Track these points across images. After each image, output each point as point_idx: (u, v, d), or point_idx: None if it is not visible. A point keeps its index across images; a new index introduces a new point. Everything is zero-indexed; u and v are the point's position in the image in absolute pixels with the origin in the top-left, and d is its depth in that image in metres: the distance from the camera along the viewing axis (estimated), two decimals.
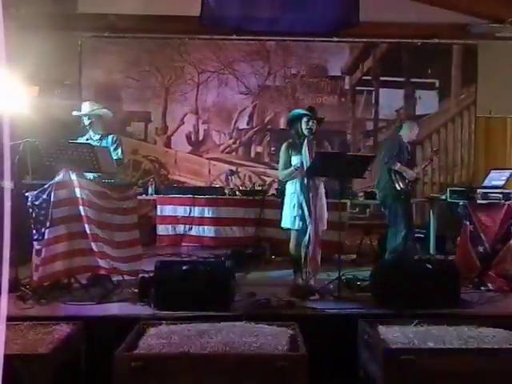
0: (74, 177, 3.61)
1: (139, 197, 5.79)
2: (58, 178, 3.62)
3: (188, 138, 7.10)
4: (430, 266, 3.53)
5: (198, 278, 3.35)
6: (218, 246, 5.50)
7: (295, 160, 3.93)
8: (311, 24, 5.62)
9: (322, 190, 4.04)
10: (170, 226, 5.52)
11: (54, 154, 3.70)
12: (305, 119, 3.92)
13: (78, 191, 3.59)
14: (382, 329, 3.00)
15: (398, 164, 4.70)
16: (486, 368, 2.59)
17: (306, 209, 3.76)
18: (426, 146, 7.14)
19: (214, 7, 5.32)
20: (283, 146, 4.10)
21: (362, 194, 6.22)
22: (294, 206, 3.93)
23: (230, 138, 7.12)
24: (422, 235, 5.73)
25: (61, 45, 6.55)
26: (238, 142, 7.12)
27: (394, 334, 2.91)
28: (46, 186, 3.66)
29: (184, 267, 3.34)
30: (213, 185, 6.46)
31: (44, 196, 3.63)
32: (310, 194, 3.77)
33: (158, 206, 5.59)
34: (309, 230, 3.79)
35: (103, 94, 6.84)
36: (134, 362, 2.49)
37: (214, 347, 2.63)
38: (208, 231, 5.50)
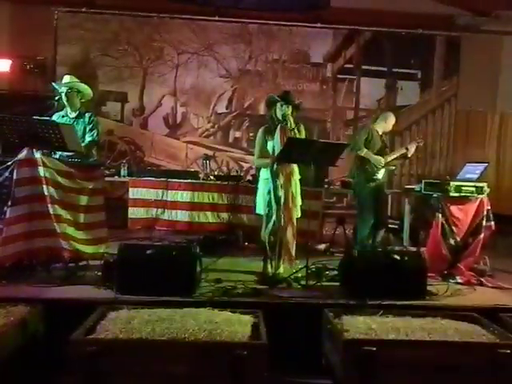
0: (37, 155, 3.47)
1: (111, 178, 5.69)
2: (20, 156, 3.48)
3: (165, 120, 6.96)
4: (397, 258, 3.51)
5: (162, 263, 3.27)
6: (190, 230, 5.42)
7: (270, 146, 3.86)
8: (278, 3, 5.50)
9: (297, 177, 3.98)
10: (142, 209, 5.41)
11: (17, 131, 3.55)
12: (279, 104, 3.84)
13: (41, 170, 3.46)
14: (346, 319, 2.98)
15: (365, 150, 4.70)
16: (447, 361, 2.59)
17: (272, 195, 3.70)
18: (406, 136, 7.12)
19: None
20: (259, 132, 4.03)
21: (338, 183, 6.20)
22: (267, 193, 3.87)
23: (209, 122, 7.00)
24: (397, 226, 5.73)
25: (36, 19, 6.34)
26: (216, 126, 7.01)
27: (358, 325, 2.88)
28: (8, 164, 3.52)
29: (148, 251, 3.25)
30: (189, 169, 6.35)
31: (6, 174, 3.50)
32: (280, 181, 3.71)
33: (130, 189, 5.47)
34: (274, 217, 3.73)
35: (79, 72, 6.57)
36: (90, 347, 2.42)
37: (173, 334, 2.57)
38: (181, 215, 5.41)
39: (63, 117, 3.98)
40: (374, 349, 2.59)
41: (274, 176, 3.74)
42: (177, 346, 2.49)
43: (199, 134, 7.01)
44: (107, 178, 5.73)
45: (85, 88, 4.13)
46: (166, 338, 2.50)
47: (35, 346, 2.83)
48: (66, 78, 4.06)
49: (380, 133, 4.96)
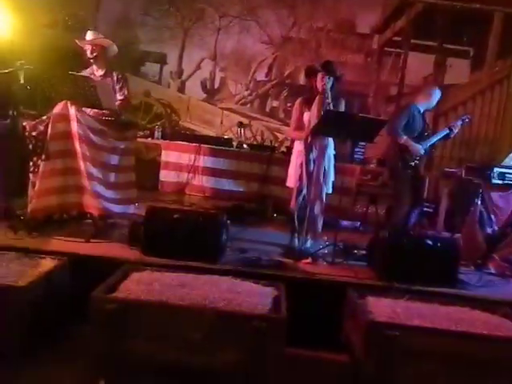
0: (72, 110, 3.47)
1: (145, 140, 5.70)
2: (55, 110, 3.49)
3: (203, 84, 6.88)
4: (429, 242, 3.37)
5: (189, 228, 3.25)
6: (220, 197, 5.40)
7: (307, 117, 3.73)
8: None
9: (331, 151, 3.84)
10: (173, 172, 5.41)
11: (53, 85, 3.55)
12: (320, 74, 3.68)
13: (75, 125, 3.46)
14: (370, 300, 2.91)
15: (405, 137, 4.36)
16: (471, 353, 2.49)
17: (304, 169, 3.60)
18: (451, 117, 6.79)
19: None
20: (297, 102, 3.88)
21: (375, 160, 6.01)
22: (299, 166, 3.77)
23: (247, 89, 6.88)
24: (432, 210, 5.53)
25: None
26: (254, 94, 6.88)
27: (381, 307, 2.81)
28: (44, 118, 3.54)
29: (175, 215, 3.24)
30: (224, 136, 6.28)
31: (41, 127, 3.52)
32: (314, 154, 3.59)
33: (163, 152, 5.47)
34: (304, 191, 3.63)
35: (119, 31, 6.60)
36: (109, 305, 2.44)
37: (193, 299, 2.56)
38: (211, 182, 5.38)
39: (90, 74, 3.91)
40: (397, 333, 2.52)
41: (308, 149, 3.62)
42: (195, 312, 2.48)
43: (236, 101, 6.91)
44: (141, 140, 5.76)
45: (109, 44, 4.00)
46: (184, 303, 2.50)
47: (59, 299, 2.89)
48: (89, 35, 3.94)
49: (422, 110, 4.63)
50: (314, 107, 3.63)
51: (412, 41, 6.74)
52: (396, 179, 4.66)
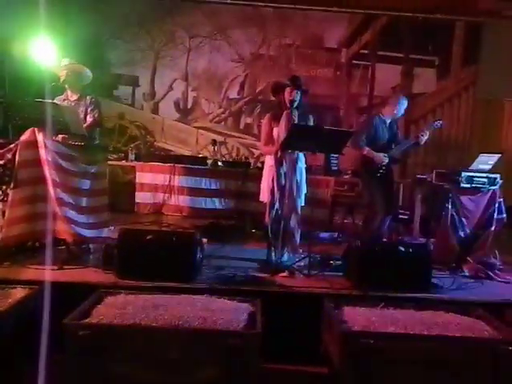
0: (40, 137, 3.46)
1: (119, 162, 5.69)
2: (23, 137, 3.47)
3: (176, 105, 6.93)
4: (401, 249, 3.42)
5: (162, 248, 3.25)
6: (196, 216, 5.40)
7: (276, 132, 3.78)
8: None
9: (302, 165, 3.90)
10: (149, 193, 5.40)
11: (20, 113, 3.54)
12: (287, 89, 3.74)
13: (43, 152, 3.45)
14: (346, 310, 2.93)
15: (366, 148, 4.44)
16: (445, 356, 2.52)
17: (276, 183, 3.63)
18: (421, 125, 6.94)
19: None
20: (265, 117, 3.94)
21: (349, 171, 6.09)
22: (271, 180, 3.80)
23: (220, 108, 6.94)
24: (407, 217, 5.61)
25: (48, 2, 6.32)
26: (227, 111, 6.95)
27: (357, 316, 2.83)
28: (11, 146, 3.52)
29: (148, 236, 3.23)
30: (199, 154, 6.31)
31: (9, 156, 3.50)
32: (284, 168, 3.64)
33: (138, 173, 5.47)
34: (277, 205, 3.67)
35: (90, 55, 6.62)
36: (81, 331, 2.42)
37: (167, 320, 2.55)
38: (188, 201, 5.38)
39: (64, 100, 3.95)
40: (372, 341, 2.54)
41: (278, 163, 3.67)
42: (168, 333, 2.47)
43: (210, 119, 6.96)
44: (116, 162, 5.76)
45: (83, 70, 4.06)
46: (158, 325, 2.49)
47: (30, 328, 2.84)
48: (65, 61, 4.00)
49: (389, 120, 4.70)
50: (282, 122, 3.68)
51: (379, 53, 6.91)
52: (366, 189, 4.72)
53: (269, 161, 3.88)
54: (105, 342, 2.42)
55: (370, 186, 4.60)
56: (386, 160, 4.51)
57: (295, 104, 3.68)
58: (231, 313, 2.71)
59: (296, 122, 3.57)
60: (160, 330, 2.47)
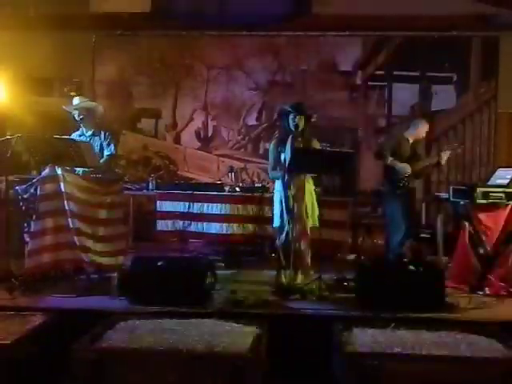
0: (59, 171, 3.68)
1: (140, 192, 5.89)
2: (44, 173, 3.70)
3: (197, 134, 7.12)
4: (412, 269, 3.38)
5: (173, 274, 3.34)
6: (216, 242, 5.49)
7: (283, 157, 3.86)
8: (259, 16, 5.55)
9: (311, 187, 3.95)
10: (169, 221, 5.54)
11: (41, 150, 3.77)
12: (291, 115, 3.85)
13: (62, 186, 3.66)
14: (355, 332, 2.92)
15: (389, 158, 4.55)
16: (453, 376, 2.46)
17: (284, 206, 3.69)
18: (442, 142, 6.84)
19: (163, 2, 5.37)
20: (272, 144, 4.05)
21: (369, 192, 6.07)
22: (279, 204, 3.87)
23: (239, 135, 7.08)
24: (429, 235, 5.51)
25: (74, 43, 6.73)
26: (246, 138, 7.07)
27: (365, 338, 2.82)
28: (34, 181, 3.76)
29: (159, 263, 3.33)
30: (219, 181, 6.43)
31: (31, 190, 3.74)
32: (291, 192, 3.69)
33: (158, 202, 5.62)
34: (286, 228, 3.71)
35: (115, 91, 6.97)
36: (89, 355, 2.52)
37: (172, 344, 2.62)
38: (207, 227, 5.48)
39: (80, 136, 4.18)
40: (377, 362, 2.52)
41: (285, 187, 3.74)
42: (173, 356, 2.53)
43: (230, 146, 7.11)
44: (139, 193, 5.96)
45: (93, 106, 4.28)
46: (163, 348, 2.56)
47: (46, 354, 2.96)
48: (76, 100, 4.24)
49: (411, 141, 4.80)
50: (289, 147, 3.76)
51: (395, 72, 6.90)
52: (388, 203, 4.74)
53: (277, 186, 3.95)
54: (111, 365, 2.50)
55: (391, 204, 4.63)
56: (409, 171, 4.54)
57: (299, 128, 3.77)
58: (236, 336, 2.76)
59: (301, 146, 3.64)
60: (165, 354, 2.53)
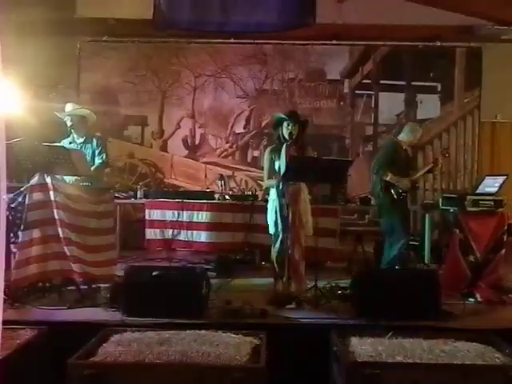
0: (48, 180, 3.58)
1: (128, 201, 5.80)
2: (33, 181, 3.60)
3: (184, 141, 7.07)
4: (409, 277, 3.39)
5: (167, 285, 3.28)
6: (206, 251, 5.43)
7: (277, 165, 3.85)
8: (263, 25, 5.54)
9: (305, 196, 3.94)
10: (158, 230, 5.46)
11: (29, 157, 3.68)
12: (285, 123, 3.84)
13: (52, 194, 3.56)
14: (353, 341, 2.90)
15: (390, 174, 4.47)
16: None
17: (278, 214, 3.67)
18: (428, 151, 6.95)
19: (165, 11, 5.33)
20: (266, 152, 4.03)
21: (357, 200, 6.10)
22: (274, 212, 3.85)
23: (227, 142, 7.06)
24: (417, 243, 5.56)
25: (59, 49, 6.62)
26: (234, 146, 7.06)
27: (363, 347, 2.80)
28: (21, 189, 3.65)
29: (153, 273, 3.27)
30: (207, 189, 6.39)
31: (19, 199, 3.63)
32: (285, 200, 3.68)
33: (147, 211, 5.54)
34: (281, 236, 3.69)
35: (101, 98, 6.88)
36: (86, 370, 2.43)
37: (171, 356, 2.56)
38: (197, 236, 5.42)
39: (71, 143, 4.10)
40: (378, 371, 2.50)
41: (280, 195, 3.72)
42: (172, 369, 2.47)
43: (218, 154, 7.08)
44: (126, 201, 5.87)
45: (87, 113, 4.22)
46: (162, 361, 2.49)
47: (38, 368, 2.86)
48: (68, 107, 4.17)
49: (404, 146, 4.76)
50: (283, 155, 3.76)
51: (381, 81, 7.00)
52: (387, 216, 4.67)
53: (271, 193, 3.94)
54: (108, 380, 2.43)
55: (391, 215, 4.58)
56: (410, 185, 4.54)
57: (293, 137, 3.77)
58: (234, 347, 2.70)
59: (295, 154, 3.64)
60: (162, 367, 2.47)
